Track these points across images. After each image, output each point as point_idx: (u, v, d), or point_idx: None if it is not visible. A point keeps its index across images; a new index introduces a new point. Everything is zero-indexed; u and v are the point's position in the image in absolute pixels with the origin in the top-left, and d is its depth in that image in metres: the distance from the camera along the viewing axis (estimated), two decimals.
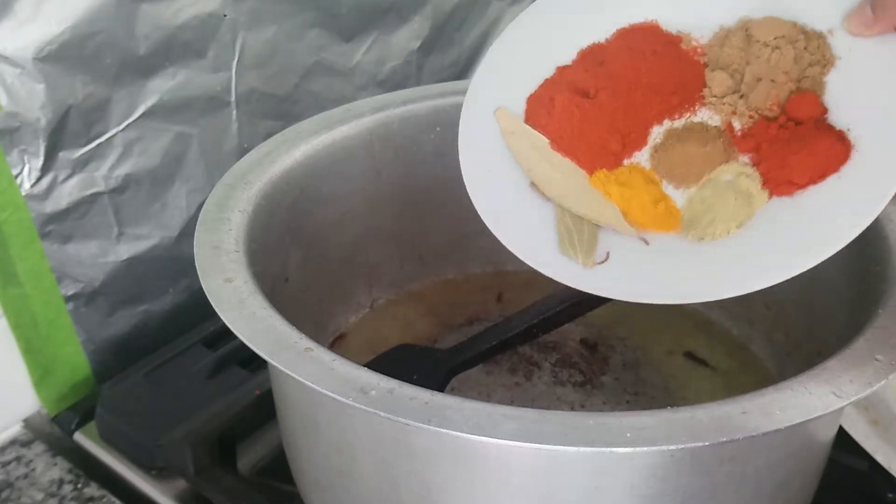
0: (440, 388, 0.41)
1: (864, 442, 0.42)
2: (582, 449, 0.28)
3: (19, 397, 0.51)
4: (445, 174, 0.53)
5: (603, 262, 0.38)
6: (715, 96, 0.39)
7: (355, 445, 0.34)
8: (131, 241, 0.53)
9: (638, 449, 0.28)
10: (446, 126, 0.52)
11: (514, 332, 0.43)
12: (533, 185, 0.40)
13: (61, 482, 0.47)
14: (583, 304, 0.43)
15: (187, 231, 0.55)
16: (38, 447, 0.49)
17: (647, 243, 0.38)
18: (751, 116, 0.38)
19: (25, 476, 0.47)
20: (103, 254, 0.51)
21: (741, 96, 0.39)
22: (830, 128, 0.37)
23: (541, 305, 0.43)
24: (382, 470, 0.34)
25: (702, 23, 0.40)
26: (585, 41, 0.41)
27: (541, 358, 0.49)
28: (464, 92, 0.52)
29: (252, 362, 0.50)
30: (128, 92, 0.49)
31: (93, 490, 0.46)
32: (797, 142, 0.37)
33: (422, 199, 0.53)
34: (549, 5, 0.42)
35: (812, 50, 0.38)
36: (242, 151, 0.50)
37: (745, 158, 0.38)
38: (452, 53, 0.69)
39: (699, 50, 0.40)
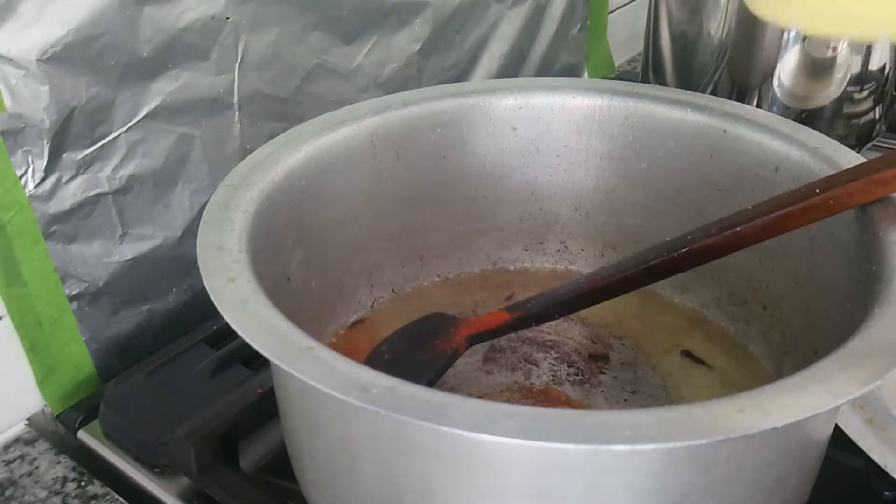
0: (456, 353, 0.43)
1: (859, 441, 0.42)
2: (580, 446, 0.28)
3: (23, 396, 0.51)
4: (446, 175, 0.53)
5: None
6: None
7: (356, 443, 0.35)
8: (135, 242, 0.53)
9: (636, 447, 0.28)
10: (447, 127, 0.52)
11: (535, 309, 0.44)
12: None
13: (65, 480, 0.47)
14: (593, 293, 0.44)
15: (190, 231, 0.55)
16: (42, 445, 0.50)
17: None
18: None
19: (29, 474, 0.48)
20: (107, 254, 0.52)
21: None
22: None
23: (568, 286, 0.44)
24: (383, 467, 0.34)
25: None
26: None
27: (540, 356, 0.50)
28: (464, 93, 0.53)
29: (254, 361, 0.50)
30: (131, 94, 0.50)
31: (96, 488, 0.47)
32: None
33: (422, 200, 0.53)
34: None
35: None
36: (245, 152, 0.50)
37: None
38: (452, 56, 0.70)
39: None
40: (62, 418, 0.51)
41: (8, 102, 0.45)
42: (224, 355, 0.51)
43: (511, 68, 0.76)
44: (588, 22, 0.85)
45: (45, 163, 0.47)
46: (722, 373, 0.49)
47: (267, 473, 0.48)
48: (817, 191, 0.40)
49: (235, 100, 0.55)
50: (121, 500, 0.46)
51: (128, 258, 0.53)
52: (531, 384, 0.48)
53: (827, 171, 0.44)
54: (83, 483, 0.47)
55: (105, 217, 0.51)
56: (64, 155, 0.48)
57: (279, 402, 0.41)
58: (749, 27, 0.66)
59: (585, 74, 0.89)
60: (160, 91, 0.51)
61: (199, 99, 0.53)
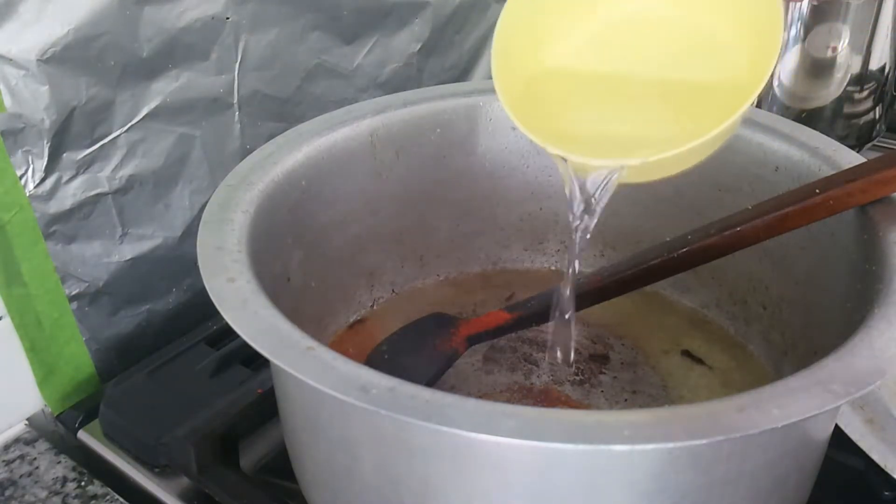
0: (456, 353, 0.44)
1: (859, 441, 0.42)
2: (580, 446, 0.28)
3: (23, 396, 0.51)
4: (446, 175, 0.53)
5: None
6: None
7: (356, 443, 0.35)
8: (135, 242, 0.53)
9: (636, 447, 0.28)
10: (447, 127, 0.52)
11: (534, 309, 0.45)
12: None
13: (65, 480, 0.47)
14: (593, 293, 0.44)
15: (190, 231, 0.55)
16: (42, 445, 0.50)
17: None
18: None
19: (29, 474, 0.48)
20: (107, 254, 0.52)
21: None
22: None
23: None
24: (383, 467, 0.34)
25: None
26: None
27: (540, 356, 0.50)
28: (464, 93, 0.53)
29: (254, 361, 0.50)
30: (131, 94, 0.50)
31: (96, 488, 0.47)
32: None
33: (422, 200, 0.53)
34: None
35: None
36: (245, 152, 0.50)
37: None
38: (452, 56, 0.70)
39: None
40: (62, 418, 0.51)
41: (8, 102, 0.45)
42: (224, 355, 0.51)
43: None
44: None
45: (45, 163, 0.47)
46: (722, 373, 0.49)
47: (267, 473, 0.48)
48: (817, 191, 0.40)
49: (235, 100, 0.55)
50: (121, 500, 0.46)
51: (128, 258, 0.53)
52: (531, 384, 0.48)
53: (827, 171, 0.44)
54: (83, 483, 0.47)
55: (105, 217, 0.51)
56: (64, 155, 0.48)
57: (279, 402, 0.41)
58: None
59: None
60: (160, 91, 0.51)
61: (199, 99, 0.53)
